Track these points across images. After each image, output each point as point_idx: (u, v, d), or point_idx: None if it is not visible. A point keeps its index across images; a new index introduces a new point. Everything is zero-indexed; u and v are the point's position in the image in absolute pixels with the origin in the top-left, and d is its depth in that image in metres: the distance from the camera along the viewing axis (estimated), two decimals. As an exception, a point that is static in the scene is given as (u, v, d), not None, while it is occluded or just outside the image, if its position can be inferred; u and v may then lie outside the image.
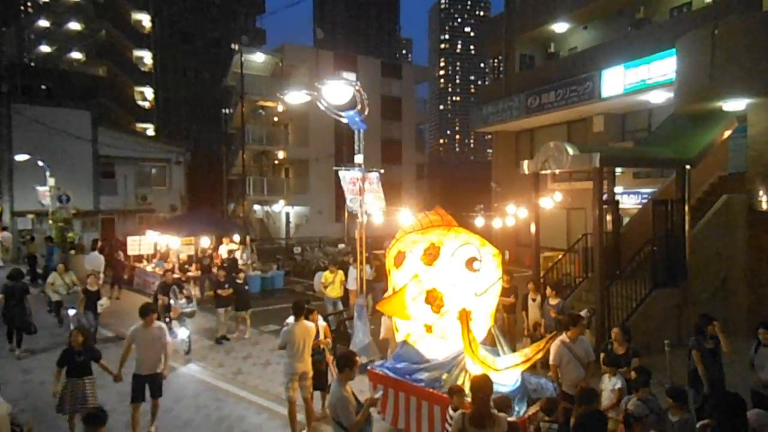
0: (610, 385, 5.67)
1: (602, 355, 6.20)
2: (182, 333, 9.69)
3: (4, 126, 23.23)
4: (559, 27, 19.52)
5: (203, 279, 14.61)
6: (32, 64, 42.60)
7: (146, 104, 40.08)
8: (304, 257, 20.37)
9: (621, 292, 9.44)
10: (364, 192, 8.20)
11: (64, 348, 6.31)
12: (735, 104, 9.63)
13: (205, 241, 16.34)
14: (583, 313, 7.97)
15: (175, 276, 11.24)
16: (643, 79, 14.21)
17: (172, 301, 10.06)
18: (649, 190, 14.19)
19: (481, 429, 4.01)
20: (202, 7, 39.58)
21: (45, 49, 47.39)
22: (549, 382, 6.21)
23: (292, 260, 19.99)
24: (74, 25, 42.38)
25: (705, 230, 10.23)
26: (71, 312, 10.36)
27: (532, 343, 7.45)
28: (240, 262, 15.32)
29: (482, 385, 4.17)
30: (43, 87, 30.31)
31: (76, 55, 42.86)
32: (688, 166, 9.79)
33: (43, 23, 47.73)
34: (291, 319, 6.63)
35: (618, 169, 12.15)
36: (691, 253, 9.81)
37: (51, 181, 19.45)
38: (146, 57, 39.72)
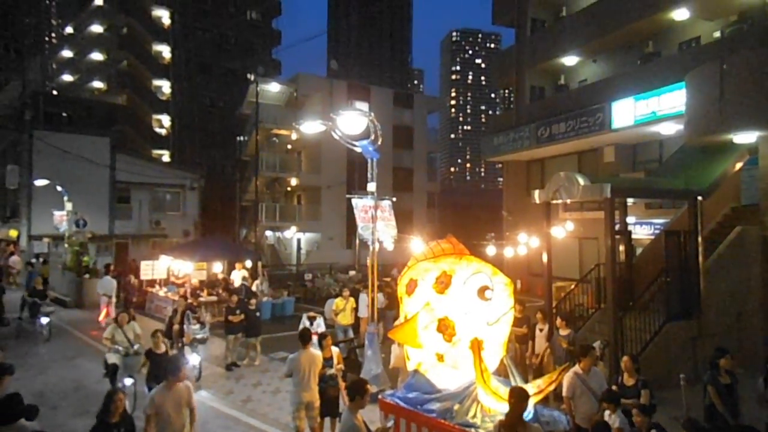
0: (609, 422, 5.54)
1: (614, 387, 6.13)
2: (194, 359, 9.57)
3: (26, 152, 23.91)
4: (569, 60, 19.84)
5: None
6: (55, 92, 44.01)
7: (163, 131, 41.05)
8: (315, 284, 20.40)
9: (634, 323, 9.33)
10: (376, 220, 8.30)
11: (98, 419, 4.83)
12: (745, 137, 9.69)
13: (218, 267, 16.48)
14: (596, 344, 7.88)
15: (189, 301, 11.29)
16: (653, 111, 14.33)
17: (185, 327, 10.02)
18: (661, 221, 14.13)
19: None
20: (221, 40, 40.88)
21: (68, 78, 49.04)
22: (562, 415, 6.11)
23: (303, 287, 20.02)
24: (97, 56, 43.92)
25: (719, 262, 10.13)
26: (128, 382, 8.00)
27: (533, 374, 7.37)
28: (254, 289, 15.41)
29: (520, 395, 4.41)
30: (65, 114, 31.25)
31: (98, 84, 44.26)
32: (699, 198, 9.79)
33: (67, 53, 49.51)
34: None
35: (630, 200, 12.15)
36: (705, 285, 9.71)
37: (68, 206, 19.85)
38: (165, 86, 40.89)
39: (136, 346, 8.38)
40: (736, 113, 9.35)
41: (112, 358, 8.41)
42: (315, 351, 6.57)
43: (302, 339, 6.57)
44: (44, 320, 12.80)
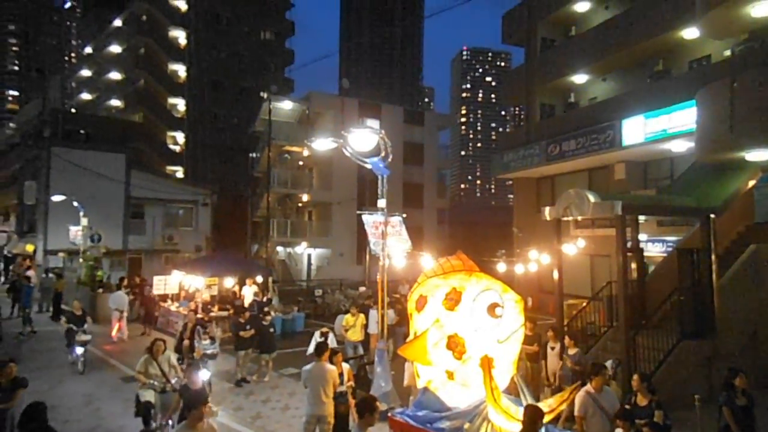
0: None
1: (627, 406, 6.05)
2: (203, 375, 9.19)
3: (44, 168, 24.43)
4: (579, 78, 19.94)
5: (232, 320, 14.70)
6: (73, 110, 45.05)
7: (177, 148, 41.72)
8: (325, 300, 20.39)
9: (647, 342, 9.22)
10: (386, 236, 8.35)
11: None
12: (757, 155, 9.64)
13: (229, 282, 16.57)
14: (608, 363, 7.79)
15: (198, 316, 11.35)
16: (663, 128, 14.31)
17: (195, 342, 10.01)
18: (674, 238, 14.00)
19: None
20: (235, 59, 41.70)
21: (86, 96, 50.23)
22: (573, 435, 6.05)
23: (313, 302, 20.03)
24: (115, 75, 45.02)
25: (733, 280, 10.01)
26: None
27: (552, 394, 7.29)
28: (265, 300, 15.50)
29: (535, 414, 4.50)
30: (82, 132, 31.95)
31: (115, 102, 45.27)
32: (712, 215, 9.72)
33: (86, 73, 50.79)
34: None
35: (641, 217, 12.08)
36: (719, 304, 9.58)
37: (84, 221, 20.19)
38: (180, 104, 41.71)
39: (173, 380, 7.27)
40: (746, 131, 9.33)
41: (146, 395, 7.20)
42: (328, 365, 6.60)
43: (317, 351, 6.66)
44: (79, 350, 11.24)
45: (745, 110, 9.29)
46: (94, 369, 11.55)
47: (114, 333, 14.69)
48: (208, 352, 9.87)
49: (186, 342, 10.29)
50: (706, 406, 7.35)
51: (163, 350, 7.51)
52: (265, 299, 15.61)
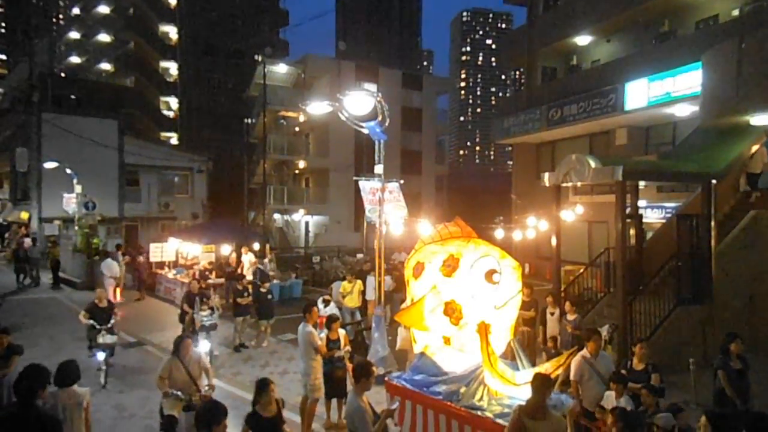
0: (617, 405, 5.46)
1: (623, 371, 6.09)
2: (203, 346, 8.40)
3: (35, 134, 23.99)
4: (582, 40, 19.40)
5: (228, 286, 14.71)
6: (63, 74, 44.03)
7: (170, 114, 41.03)
8: (323, 266, 20.45)
9: (644, 308, 9.25)
10: (383, 202, 8.22)
11: None
12: (762, 118, 9.44)
13: (226, 249, 16.53)
14: (604, 329, 7.83)
15: (201, 286, 10.84)
16: (667, 91, 14.01)
17: (194, 314, 9.73)
18: (673, 205, 13.92)
19: (533, 420, 4.21)
20: (227, 20, 40.51)
21: (75, 60, 49.00)
22: (569, 398, 6.09)
23: (311, 269, 20.09)
24: (104, 37, 43.77)
25: (732, 246, 9.97)
26: None
27: (548, 358, 7.34)
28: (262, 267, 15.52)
29: (544, 381, 4.38)
30: (73, 97, 31.28)
31: (105, 66, 44.20)
32: (713, 181, 9.60)
33: (74, 35, 49.38)
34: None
35: (641, 183, 11.96)
36: (717, 269, 9.57)
37: (78, 189, 19.95)
38: (172, 68, 40.76)
39: (205, 389, 5.71)
40: (754, 93, 9.10)
41: (170, 407, 5.64)
42: (305, 327, 6.75)
43: (303, 312, 6.94)
44: (100, 356, 8.43)
45: (753, 71, 9.04)
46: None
47: (117, 299, 14.73)
48: (207, 323, 9.47)
49: (188, 311, 9.97)
50: (701, 370, 7.43)
51: (192, 349, 5.86)
52: (266, 262, 15.58)
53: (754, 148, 10.34)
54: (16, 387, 4.09)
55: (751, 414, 4.60)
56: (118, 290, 15.02)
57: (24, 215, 25.71)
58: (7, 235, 27.66)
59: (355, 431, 4.46)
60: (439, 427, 5.80)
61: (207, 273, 15.33)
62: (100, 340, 8.55)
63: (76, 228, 19.50)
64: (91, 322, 8.74)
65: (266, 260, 16.44)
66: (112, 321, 8.90)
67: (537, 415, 4.24)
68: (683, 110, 14.11)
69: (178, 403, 5.62)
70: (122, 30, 40.42)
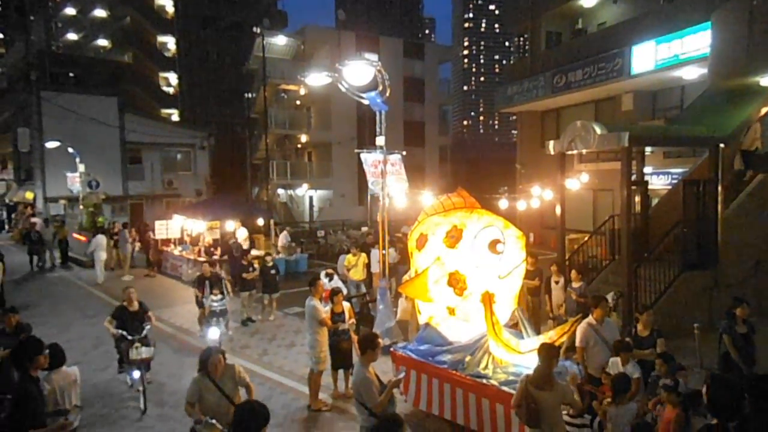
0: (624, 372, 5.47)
1: (627, 338, 6.10)
2: (213, 333, 7.35)
3: (35, 113, 23.83)
4: (588, 1, 18.84)
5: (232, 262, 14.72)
6: (60, 51, 43.44)
7: (171, 90, 40.55)
8: (328, 240, 20.52)
9: (649, 274, 9.23)
10: (386, 174, 8.14)
11: None
12: (774, 79, 9.19)
13: (231, 225, 16.55)
14: (609, 296, 7.82)
15: (213, 270, 10.17)
16: (675, 54, 13.65)
17: (203, 299, 9.54)
18: (680, 170, 13.74)
19: (540, 390, 4.26)
20: (224, -10, 39.55)
21: (72, 36, 48.23)
22: (574, 365, 6.14)
23: (316, 243, 20.16)
24: (99, 12, 42.93)
25: (738, 212, 9.87)
26: None
27: (555, 326, 7.38)
28: (280, 243, 16.14)
29: (550, 351, 4.41)
30: (71, 74, 30.91)
31: (102, 42, 43.51)
32: (721, 145, 9.43)
33: (70, 11, 48.46)
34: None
35: (647, 149, 11.77)
36: (723, 234, 9.50)
37: (81, 168, 19.94)
38: (170, 42, 40.04)
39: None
40: (764, 53, 8.82)
41: None
42: (310, 301, 6.86)
43: (309, 285, 7.06)
44: (135, 374, 6.92)
45: (763, 30, 8.75)
46: (102, 313, 9.54)
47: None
48: (218, 309, 9.21)
49: (200, 295, 9.72)
50: (706, 334, 7.45)
51: (224, 363, 4.56)
52: (279, 242, 15.80)
53: (763, 110, 10.11)
54: (13, 358, 4.18)
55: (753, 375, 4.62)
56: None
57: (29, 195, 25.80)
58: (13, 215, 27.83)
59: (362, 401, 4.52)
60: (444, 396, 5.88)
61: (212, 249, 15.39)
62: (134, 355, 6.76)
63: (81, 207, 19.58)
64: (120, 331, 6.93)
65: (282, 235, 16.68)
66: (147, 327, 7.11)
67: (544, 385, 4.28)
68: (691, 73, 13.78)
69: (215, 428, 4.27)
70: (118, 4, 39.60)
